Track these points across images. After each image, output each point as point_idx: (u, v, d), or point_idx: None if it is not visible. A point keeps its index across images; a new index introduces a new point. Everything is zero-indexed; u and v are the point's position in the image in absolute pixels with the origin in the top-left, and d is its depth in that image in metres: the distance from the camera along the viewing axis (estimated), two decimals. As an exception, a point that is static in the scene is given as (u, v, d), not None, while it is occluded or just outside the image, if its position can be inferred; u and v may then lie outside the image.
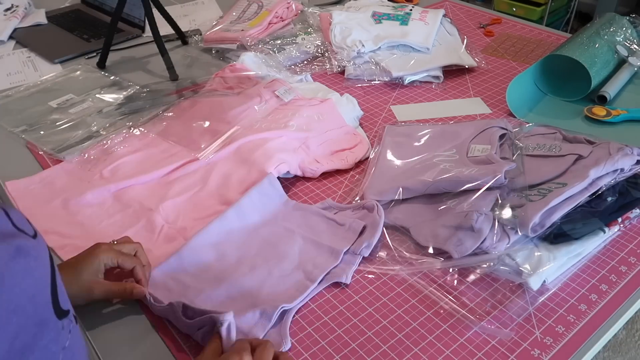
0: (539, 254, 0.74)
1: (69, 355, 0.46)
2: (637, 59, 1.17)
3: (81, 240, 0.83)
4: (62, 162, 1.01)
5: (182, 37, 1.44)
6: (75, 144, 1.04)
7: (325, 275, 0.75)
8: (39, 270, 0.43)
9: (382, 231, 0.81)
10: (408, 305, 0.73)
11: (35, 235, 0.45)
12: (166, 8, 1.37)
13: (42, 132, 1.09)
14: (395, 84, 1.23)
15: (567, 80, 1.16)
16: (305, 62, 1.31)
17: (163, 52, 1.27)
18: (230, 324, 0.62)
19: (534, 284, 0.72)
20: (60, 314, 0.45)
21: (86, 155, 1.01)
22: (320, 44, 1.33)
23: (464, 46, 1.31)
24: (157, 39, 1.26)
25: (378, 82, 1.24)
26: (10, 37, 1.52)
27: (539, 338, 0.67)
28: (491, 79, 1.24)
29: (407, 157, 0.93)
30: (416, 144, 0.96)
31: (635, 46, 1.19)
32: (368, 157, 0.98)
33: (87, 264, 0.71)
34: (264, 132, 0.98)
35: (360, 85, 1.23)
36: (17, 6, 1.61)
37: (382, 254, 0.79)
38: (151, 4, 1.27)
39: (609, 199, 0.78)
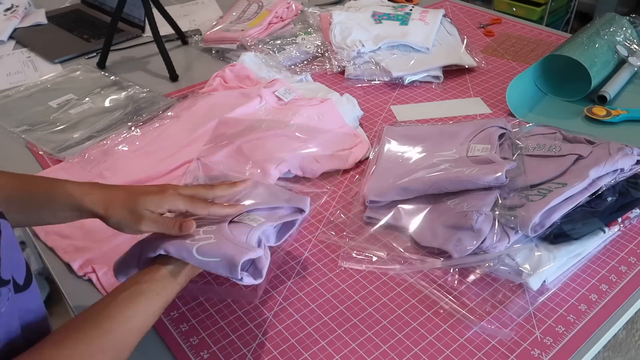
0: (539, 254, 0.74)
1: (4, 320, 0.49)
2: (637, 59, 1.17)
3: (81, 240, 0.83)
4: (62, 162, 1.00)
5: (182, 37, 1.44)
6: (75, 144, 1.05)
7: None
8: None
9: (382, 231, 0.81)
10: (408, 305, 0.73)
11: None
12: (166, 8, 1.37)
13: (42, 132, 1.09)
14: (395, 84, 1.23)
15: (567, 80, 1.16)
16: (305, 62, 1.31)
17: (163, 52, 1.27)
18: None
19: (534, 284, 0.72)
20: None
21: (86, 155, 1.00)
22: (320, 44, 1.33)
23: (464, 46, 1.31)
24: (157, 39, 1.26)
25: (378, 82, 1.24)
26: (10, 37, 1.52)
27: (539, 338, 0.67)
28: (491, 79, 1.24)
29: (407, 157, 0.93)
30: (416, 144, 0.96)
31: (635, 46, 1.19)
32: (368, 157, 0.98)
33: (150, 199, 0.65)
34: (264, 132, 0.98)
35: (360, 85, 1.23)
36: (17, 6, 1.61)
37: (382, 253, 0.79)
38: (151, 4, 1.27)
39: (609, 199, 0.78)
